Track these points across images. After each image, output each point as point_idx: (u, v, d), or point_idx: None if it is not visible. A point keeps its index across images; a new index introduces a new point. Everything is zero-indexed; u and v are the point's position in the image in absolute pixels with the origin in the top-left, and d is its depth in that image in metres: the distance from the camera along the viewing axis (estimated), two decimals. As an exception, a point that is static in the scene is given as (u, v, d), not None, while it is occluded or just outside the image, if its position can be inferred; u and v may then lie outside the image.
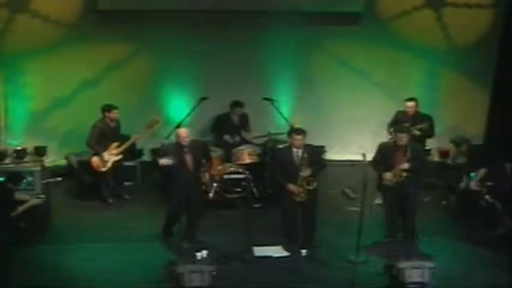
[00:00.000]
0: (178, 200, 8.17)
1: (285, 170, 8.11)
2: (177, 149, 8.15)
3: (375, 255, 7.99)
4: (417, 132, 9.31)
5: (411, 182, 8.17)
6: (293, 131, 8.32)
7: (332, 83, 11.52)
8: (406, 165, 8.10)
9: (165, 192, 8.61)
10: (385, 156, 8.27)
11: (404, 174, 8.11)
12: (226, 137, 10.42)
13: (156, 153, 9.71)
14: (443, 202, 9.61)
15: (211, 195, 8.18)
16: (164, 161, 7.99)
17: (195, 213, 8.27)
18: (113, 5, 10.76)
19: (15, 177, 8.30)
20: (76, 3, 10.87)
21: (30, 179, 8.65)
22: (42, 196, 8.49)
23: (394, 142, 8.32)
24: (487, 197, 8.80)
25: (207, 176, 8.87)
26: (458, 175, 9.30)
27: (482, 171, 8.84)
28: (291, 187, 8.02)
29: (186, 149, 8.11)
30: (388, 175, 8.14)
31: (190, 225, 8.27)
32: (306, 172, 8.02)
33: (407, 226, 8.35)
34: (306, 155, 8.06)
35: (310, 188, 8.03)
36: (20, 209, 8.01)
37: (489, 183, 8.87)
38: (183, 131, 8.24)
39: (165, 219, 8.40)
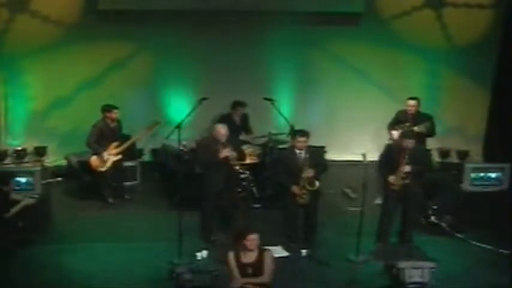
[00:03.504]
0: (212, 196, 8.27)
1: (287, 171, 8.09)
2: (214, 144, 8.24)
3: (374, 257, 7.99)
4: (424, 130, 9.27)
5: (413, 185, 8.11)
6: (296, 132, 8.26)
7: (332, 83, 11.52)
8: (407, 168, 8.00)
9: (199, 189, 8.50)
10: (390, 158, 8.17)
11: (406, 176, 8.02)
12: (243, 137, 10.41)
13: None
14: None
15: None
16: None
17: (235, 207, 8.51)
18: (113, 5, 10.77)
19: (4, 177, 8.08)
20: (76, 3, 10.86)
21: (25, 179, 8.60)
22: (36, 196, 8.38)
23: (398, 144, 8.23)
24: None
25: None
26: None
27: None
28: (294, 189, 7.99)
29: (223, 145, 8.21)
30: (392, 178, 8.06)
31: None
32: (308, 173, 7.99)
33: (405, 230, 8.29)
34: (308, 156, 8.04)
35: (312, 188, 8.00)
36: (13, 210, 7.89)
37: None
38: (222, 127, 8.27)
39: (201, 218, 8.43)
